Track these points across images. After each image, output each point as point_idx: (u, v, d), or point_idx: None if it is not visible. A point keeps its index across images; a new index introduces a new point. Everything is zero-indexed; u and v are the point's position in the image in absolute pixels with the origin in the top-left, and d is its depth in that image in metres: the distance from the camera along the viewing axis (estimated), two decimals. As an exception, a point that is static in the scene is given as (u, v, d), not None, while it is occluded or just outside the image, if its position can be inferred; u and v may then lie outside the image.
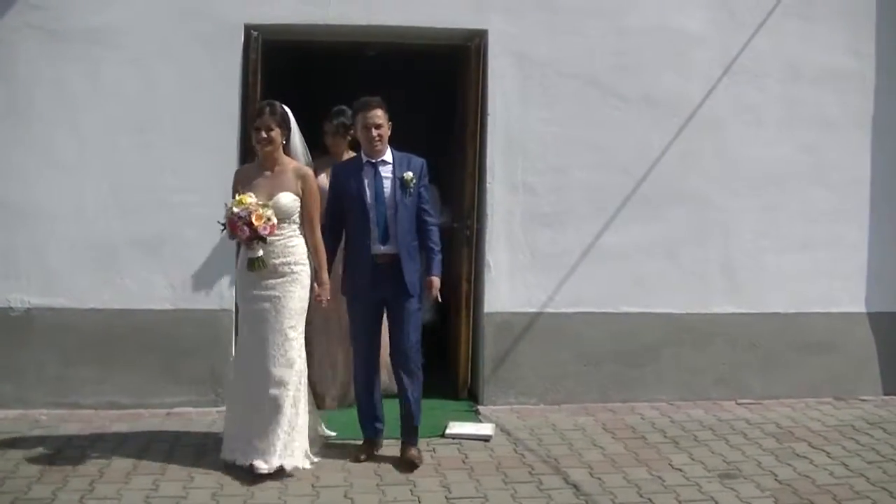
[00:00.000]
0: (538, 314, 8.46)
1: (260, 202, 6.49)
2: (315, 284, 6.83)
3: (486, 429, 7.73)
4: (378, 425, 7.09)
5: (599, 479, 6.63)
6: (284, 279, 6.67)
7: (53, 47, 7.90)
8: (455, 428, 7.71)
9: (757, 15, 8.60)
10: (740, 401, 8.65)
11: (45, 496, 6.17)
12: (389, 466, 6.86)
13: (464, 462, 7.02)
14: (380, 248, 6.80)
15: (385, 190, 6.80)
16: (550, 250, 8.46)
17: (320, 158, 7.95)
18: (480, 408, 8.42)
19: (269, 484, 6.42)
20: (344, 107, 8.09)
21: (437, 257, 6.95)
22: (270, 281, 6.65)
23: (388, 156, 6.86)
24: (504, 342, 8.46)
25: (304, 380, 6.77)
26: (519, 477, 6.69)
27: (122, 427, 7.62)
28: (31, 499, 6.16)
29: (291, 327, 6.65)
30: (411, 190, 6.79)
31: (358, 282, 6.86)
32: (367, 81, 8.60)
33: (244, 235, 6.44)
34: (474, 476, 6.70)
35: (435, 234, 6.96)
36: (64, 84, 7.92)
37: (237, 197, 6.54)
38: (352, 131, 7.82)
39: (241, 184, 6.73)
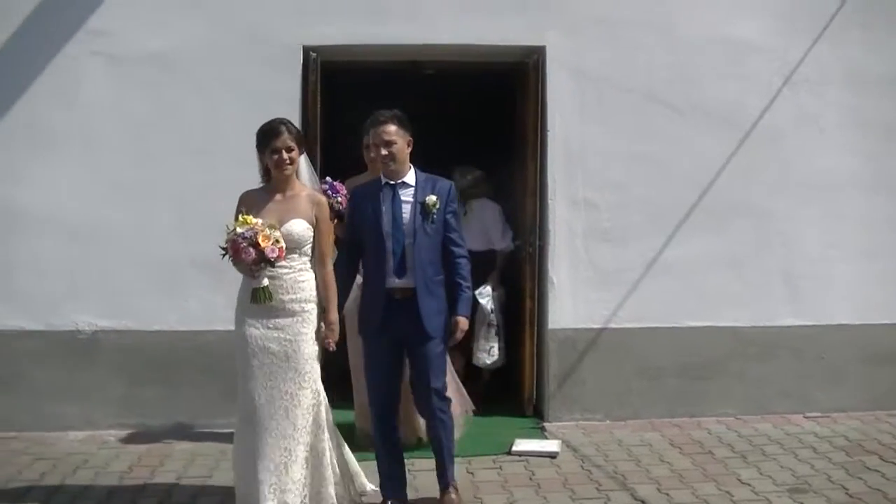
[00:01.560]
0: (602, 330, 8.59)
1: (271, 225, 5.93)
2: (321, 325, 6.21)
3: (552, 445, 7.85)
4: (397, 483, 6.46)
5: (667, 494, 6.74)
6: (294, 319, 6.09)
7: (116, 72, 8.21)
8: (521, 445, 7.84)
9: (815, 23, 8.67)
10: (808, 414, 8.70)
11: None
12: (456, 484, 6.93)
13: (531, 479, 7.15)
14: (395, 281, 6.18)
15: (404, 215, 6.19)
16: (613, 266, 8.58)
17: (355, 177, 7.71)
18: (546, 424, 8.55)
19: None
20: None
21: (465, 294, 6.31)
22: (278, 320, 6.07)
23: (409, 177, 6.29)
24: (568, 358, 8.60)
25: (326, 427, 6.21)
26: (586, 493, 6.81)
27: (187, 447, 7.88)
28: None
29: (306, 373, 6.07)
30: (434, 216, 6.18)
31: (371, 318, 6.29)
32: (425, 100, 8.83)
33: (249, 258, 5.84)
34: (541, 493, 6.83)
35: (464, 268, 6.31)
36: (127, 108, 8.22)
37: (240, 217, 5.97)
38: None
39: (249, 209, 6.08)
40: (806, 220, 8.77)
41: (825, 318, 8.81)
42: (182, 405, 8.28)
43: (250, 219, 5.91)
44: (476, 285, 8.00)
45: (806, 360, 8.80)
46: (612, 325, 8.62)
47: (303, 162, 6.32)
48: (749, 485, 6.92)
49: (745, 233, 8.70)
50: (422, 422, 7.14)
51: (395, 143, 6.23)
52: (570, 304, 8.61)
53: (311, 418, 6.08)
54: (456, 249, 6.32)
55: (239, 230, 5.89)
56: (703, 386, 8.69)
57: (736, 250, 8.69)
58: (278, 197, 6.18)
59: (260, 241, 5.82)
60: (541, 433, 8.35)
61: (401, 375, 6.45)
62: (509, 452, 7.75)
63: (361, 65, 8.99)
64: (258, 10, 8.31)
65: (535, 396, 8.85)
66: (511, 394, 8.93)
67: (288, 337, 6.06)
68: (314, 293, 6.16)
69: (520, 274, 8.80)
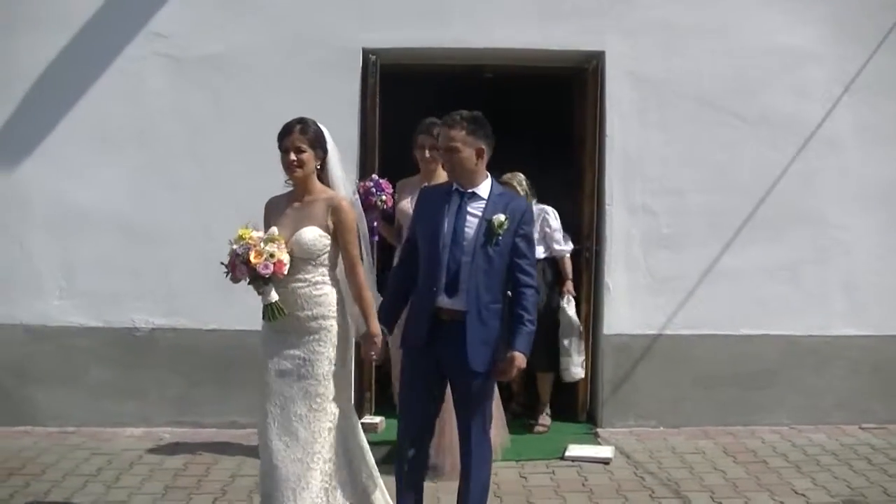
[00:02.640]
0: (657, 336, 8.71)
1: (272, 238, 5.56)
2: (362, 339, 5.83)
3: (605, 451, 7.97)
4: None
5: (721, 503, 6.85)
6: (310, 337, 5.71)
7: (177, 73, 8.46)
8: (574, 450, 7.96)
9: (875, 32, 8.73)
10: (864, 425, 8.74)
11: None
12: (509, 488, 7.12)
13: (583, 485, 7.27)
14: (444, 300, 5.58)
15: (467, 230, 5.57)
16: (669, 272, 8.69)
17: (406, 180, 7.75)
18: (599, 430, 8.68)
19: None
20: (436, 119, 7.79)
21: (527, 329, 5.61)
22: (293, 338, 5.72)
23: (482, 188, 5.66)
24: (623, 364, 8.73)
25: (351, 453, 5.90)
26: (640, 500, 6.93)
27: (242, 446, 8.06)
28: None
29: (319, 395, 5.68)
30: (500, 238, 5.53)
31: (414, 335, 5.72)
32: (481, 105, 8.91)
33: (242, 276, 5.57)
34: (594, 499, 6.96)
35: (529, 300, 5.65)
36: (186, 109, 8.46)
37: (239, 231, 5.62)
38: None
39: (271, 217, 5.85)
40: (864, 229, 8.82)
41: (883, 329, 8.85)
42: (237, 404, 8.42)
43: (248, 232, 5.57)
44: (550, 295, 8.44)
45: (862, 370, 8.83)
46: (668, 332, 8.73)
47: (334, 163, 5.90)
48: (804, 495, 6.99)
49: (802, 241, 8.76)
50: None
51: (460, 152, 5.57)
52: (625, 310, 8.74)
53: (326, 443, 5.67)
54: (523, 278, 5.65)
55: (234, 246, 5.59)
56: (757, 394, 8.77)
57: (793, 258, 8.76)
58: (296, 203, 5.81)
59: (252, 257, 5.46)
60: (594, 439, 8.48)
61: (438, 403, 5.86)
62: (562, 458, 7.87)
63: (421, 68, 9.13)
64: (318, 13, 8.51)
65: (588, 402, 8.99)
66: (564, 399, 9.03)
67: (302, 356, 5.69)
68: (334, 308, 5.73)
69: (576, 279, 8.91)
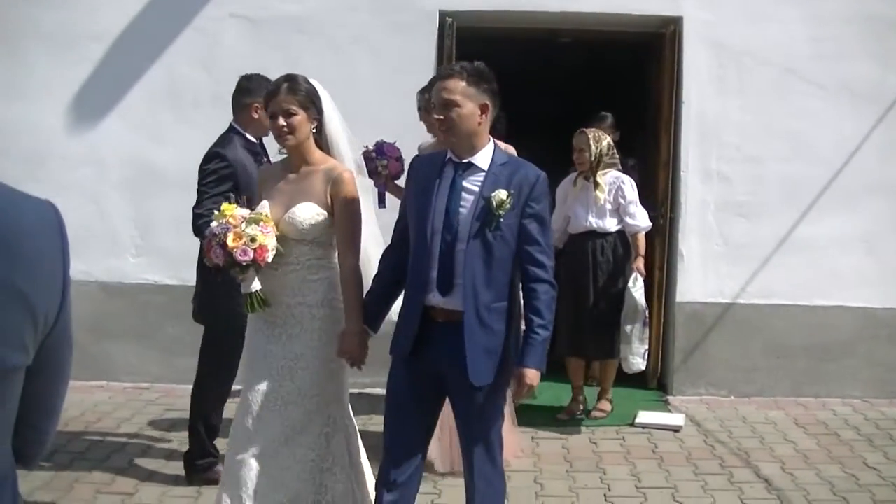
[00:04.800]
0: (730, 305, 8.91)
1: (257, 218, 4.89)
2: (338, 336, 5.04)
3: (676, 419, 8.21)
4: None
5: (791, 474, 7.00)
6: (302, 329, 5.02)
7: (255, 35, 8.77)
8: (644, 417, 8.21)
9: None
10: (939, 399, 8.83)
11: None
12: (579, 453, 7.40)
13: (653, 452, 7.50)
14: (435, 298, 4.66)
15: (461, 209, 4.63)
16: (744, 241, 8.87)
17: (426, 143, 7.27)
18: (669, 398, 8.93)
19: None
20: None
21: (538, 338, 4.64)
22: (284, 329, 5.04)
23: (482, 157, 4.69)
24: (695, 332, 8.94)
25: (347, 467, 5.19)
26: (709, 469, 7.12)
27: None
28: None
29: (314, 396, 5.00)
30: (500, 220, 4.56)
31: (401, 341, 4.78)
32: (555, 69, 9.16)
33: (217, 260, 4.88)
34: (664, 466, 7.16)
35: (542, 299, 4.66)
36: (263, 70, 8.65)
37: (222, 207, 5.00)
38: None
39: (264, 190, 5.23)
40: (943, 201, 8.90)
41: (961, 301, 8.92)
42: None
43: (232, 209, 4.92)
44: (617, 273, 8.02)
45: (939, 343, 8.93)
46: (741, 301, 8.92)
47: (333, 127, 5.20)
48: (875, 469, 7.12)
49: (880, 212, 8.88)
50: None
51: (459, 107, 4.60)
52: (699, 278, 8.94)
53: (314, 453, 5.03)
54: (534, 270, 4.68)
55: (213, 224, 4.95)
56: (830, 366, 8.92)
57: (871, 230, 8.88)
58: (292, 175, 5.14)
59: (229, 240, 4.79)
60: (664, 406, 8.73)
61: (430, 422, 4.96)
62: (632, 424, 8.12)
63: (497, 32, 9.35)
64: (396, -26, 8.76)
65: (659, 369, 9.20)
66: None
67: (294, 350, 5.01)
68: (332, 296, 5.06)
69: (650, 246, 8.94)
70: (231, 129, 6.70)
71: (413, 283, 4.73)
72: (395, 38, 8.74)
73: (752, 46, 8.81)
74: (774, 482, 6.84)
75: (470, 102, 4.60)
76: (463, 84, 4.60)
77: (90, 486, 6.56)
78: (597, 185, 7.93)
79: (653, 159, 9.23)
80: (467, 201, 4.62)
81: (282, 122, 4.97)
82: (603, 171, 7.98)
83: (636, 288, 7.98)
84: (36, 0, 8.71)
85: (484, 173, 4.65)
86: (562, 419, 8.21)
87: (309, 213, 4.96)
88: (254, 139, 6.70)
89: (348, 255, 5.01)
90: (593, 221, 7.99)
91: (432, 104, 4.84)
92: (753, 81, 8.83)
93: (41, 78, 8.78)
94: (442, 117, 4.63)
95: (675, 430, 8.03)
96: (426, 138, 7.27)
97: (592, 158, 7.93)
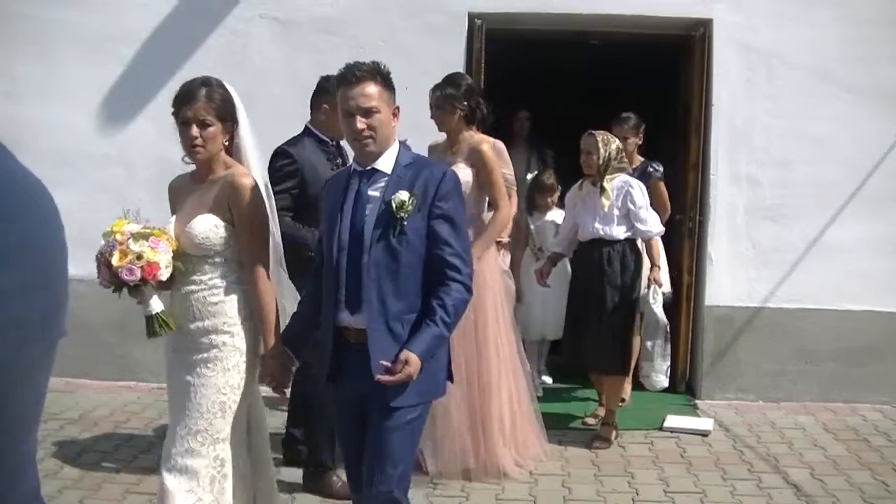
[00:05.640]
0: (759, 309, 8.90)
1: (146, 233, 4.50)
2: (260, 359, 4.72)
3: (704, 423, 8.19)
4: None
5: (821, 480, 6.99)
6: (201, 356, 4.59)
7: (284, 37, 8.83)
8: (673, 421, 8.19)
9: None
10: (970, 406, 8.81)
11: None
12: (607, 457, 7.43)
13: (682, 456, 7.51)
14: (346, 318, 4.40)
15: (365, 219, 4.39)
16: (773, 244, 8.86)
17: (434, 143, 7.28)
18: (698, 402, 8.92)
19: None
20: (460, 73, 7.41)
21: (434, 329, 4.31)
22: (186, 356, 4.64)
23: (385, 161, 4.45)
24: (724, 336, 8.94)
25: None
26: (738, 474, 7.13)
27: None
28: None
29: (200, 432, 4.54)
30: (403, 223, 4.29)
31: (320, 365, 4.55)
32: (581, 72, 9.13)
33: (104, 283, 4.55)
34: (692, 471, 7.17)
35: (451, 295, 4.33)
36: (293, 72, 8.81)
37: (113, 223, 4.58)
38: (461, 106, 6.89)
39: (175, 202, 4.87)
40: (975, 205, 8.86)
41: None
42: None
43: (121, 224, 4.54)
44: (625, 283, 7.58)
45: (970, 349, 8.89)
46: (770, 305, 8.91)
47: (245, 136, 4.80)
48: None
49: (911, 217, 8.83)
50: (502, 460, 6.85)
51: (380, 113, 4.39)
52: (728, 282, 8.93)
53: (207, 498, 4.58)
54: (448, 272, 4.36)
55: (102, 242, 4.58)
56: (860, 371, 8.90)
57: (900, 234, 8.84)
58: (196, 187, 4.76)
59: (114, 259, 4.44)
60: (693, 410, 8.71)
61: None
62: (661, 428, 8.12)
63: (526, 34, 9.38)
64: (424, -24, 8.79)
65: (688, 373, 9.22)
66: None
67: (190, 380, 4.58)
68: (233, 320, 4.63)
69: (678, 249, 9.13)
70: (305, 128, 6.77)
71: (326, 303, 4.47)
72: (425, 40, 8.78)
73: (782, 49, 8.80)
74: (803, 488, 6.84)
75: (386, 107, 4.43)
76: (379, 88, 4.41)
77: (118, 486, 6.62)
78: (602, 190, 7.53)
79: (682, 162, 9.22)
80: (371, 210, 4.39)
81: (195, 133, 4.57)
82: (611, 176, 7.59)
83: (656, 302, 7.72)
84: (66, 2, 8.81)
85: (387, 177, 4.43)
86: (589, 423, 8.18)
87: (205, 225, 4.58)
88: (328, 139, 6.72)
89: (254, 271, 4.62)
90: (600, 228, 7.58)
91: (345, 111, 4.41)
92: (783, 84, 8.82)
93: (71, 79, 8.87)
94: (364, 126, 4.35)
95: (704, 434, 8.03)
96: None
97: (601, 162, 7.55)
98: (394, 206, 4.29)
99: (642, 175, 8.24)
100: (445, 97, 6.90)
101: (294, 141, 6.62)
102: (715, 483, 6.93)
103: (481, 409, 6.82)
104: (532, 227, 9.12)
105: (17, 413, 2.11)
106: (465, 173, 6.62)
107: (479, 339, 6.74)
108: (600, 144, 7.56)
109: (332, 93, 5.76)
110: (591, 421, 8.20)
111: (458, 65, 8.70)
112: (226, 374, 4.56)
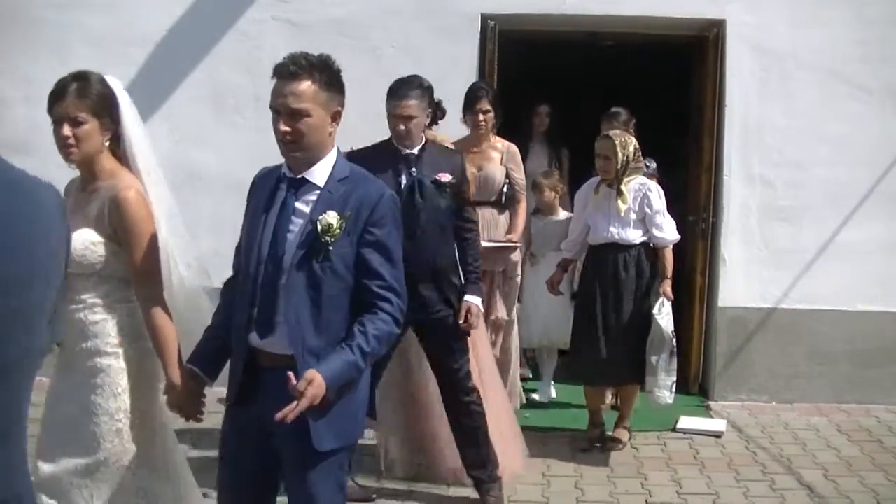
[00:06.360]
0: (772, 310, 8.90)
1: None
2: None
3: (717, 425, 8.22)
4: None
5: (834, 482, 7.01)
6: (92, 381, 4.19)
7: (297, 39, 8.71)
8: (686, 423, 8.20)
9: None
10: (985, 407, 8.79)
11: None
12: (620, 459, 7.45)
13: (695, 458, 7.53)
14: (256, 340, 3.90)
15: (289, 234, 3.89)
16: (787, 245, 8.85)
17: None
18: (711, 403, 8.92)
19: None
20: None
21: (352, 357, 3.78)
22: (72, 378, 4.24)
23: (320, 170, 3.94)
24: (737, 338, 8.94)
25: None
26: (751, 475, 7.15)
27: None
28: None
29: (103, 463, 4.19)
30: (329, 248, 3.81)
31: (229, 388, 4.02)
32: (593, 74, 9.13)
33: None
34: (705, 472, 7.20)
35: (382, 325, 3.85)
36: (305, 74, 8.88)
37: None
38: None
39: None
40: None
41: None
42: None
43: None
44: (640, 290, 7.38)
45: None
46: (784, 306, 8.90)
47: (133, 136, 4.36)
48: None
49: (925, 217, 8.82)
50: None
51: (310, 116, 3.88)
52: (741, 283, 8.93)
53: None
54: (379, 303, 3.88)
55: None
56: (874, 373, 8.90)
57: (915, 235, 8.82)
58: (80, 195, 4.33)
59: None
60: (706, 412, 8.73)
61: (266, 495, 4.15)
62: (674, 430, 8.12)
63: (539, 35, 9.45)
64: (438, -23, 8.82)
65: (701, 375, 9.23)
66: (678, 371, 8.71)
67: (80, 408, 4.20)
68: (118, 339, 4.22)
69: (691, 250, 9.12)
70: None
71: (237, 320, 3.95)
72: (438, 42, 8.79)
73: (795, 49, 8.80)
74: (817, 489, 6.85)
75: (321, 111, 3.88)
76: (315, 88, 3.86)
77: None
78: (620, 193, 7.27)
79: (695, 163, 9.23)
80: (297, 226, 3.88)
81: (66, 131, 4.13)
82: (628, 179, 7.34)
83: (662, 315, 7.24)
84: (82, 4, 8.86)
85: (319, 191, 3.90)
86: (583, 449, 7.67)
87: (82, 242, 4.12)
88: (398, 146, 6.31)
89: (142, 292, 4.20)
90: (615, 232, 7.31)
91: (272, 108, 3.95)
92: (797, 85, 8.82)
93: (86, 82, 8.89)
94: (288, 129, 3.85)
95: (717, 435, 8.05)
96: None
97: (619, 167, 7.28)
98: (319, 228, 3.79)
99: None
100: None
101: (369, 147, 6.30)
102: (728, 484, 6.95)
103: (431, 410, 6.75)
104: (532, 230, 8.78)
105: None
106: None
107: None
108: (618, 148, 7.27)
109: (388, 98, 6.00)
110: (585, 447, 7.71)
111: (471, 67, 8.77)
112: (117, 400, 4.16)
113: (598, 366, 7.44)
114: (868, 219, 8.82)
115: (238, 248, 4.15)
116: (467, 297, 6.19)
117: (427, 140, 6.24)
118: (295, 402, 3.58)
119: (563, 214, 8.58)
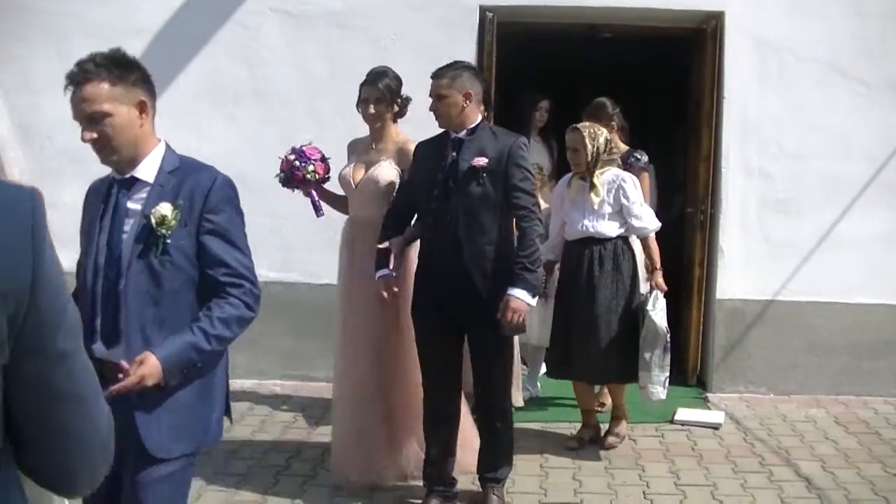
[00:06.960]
0: (771, 302, 8.92)
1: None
2: None
3: (715, 416, 8.25)
4: None
5: (832, 473, 7.04)
6: None
7: (295, 30, 8.88)
8: (683, 414, 8.24)
9: None
10: (983, 400, 8.81)
11: (279, 463, 7.13)
12: (618, 450, 7.49)
13: (692, 449, 7.57)
14: (101, 350, 3.72)
15: (123, 237, 3.78)
16: (785, 237, 8.87)
17: (355, 140, 7.26)
18: (709, 395, 8.96)
19: None
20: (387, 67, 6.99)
21: (187, 337, 3.72)
22: None
23: (146, 167, 3.84)
24: (735, 329, 8.97)
25: None
26: (748, 467, 7.19)
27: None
28: (267, 465, 7.11)
29: None
30: (165, 241, 3.72)
31: None
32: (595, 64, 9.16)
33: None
34: (703, 464, 7.23)
35: (223, 307, 3.86)
36: (303, 65, 8.89)
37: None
38: (398, 101, 6.81)
39: None
40: None
41: None
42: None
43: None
44: (620, 284, 7.24)
45: (983, 343, 8.91)
46: (782, 298, 8.93)
47: (2, 133, 3.97)
48: None
49: (925, 210, 8.83)
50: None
51: (111, 116, 3.74)
52: (739, 275, 8.95)
53: None
54: (228, 289, 3.89)
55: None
56: (872, 364, 8.92)
57: (914, 227, 8.83)
58: None
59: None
60: (703, 403, 8.76)
61: None
62: (672, 421, 8.16)
63: (537, 27, 9.44)
64: (436, -32, 8.83)
65: (699, 366, 9.25)
66: (675, 362, 8.65)
67: None
68: None
69: (689, 242, 9.17)
70: None
71: (84, 333, 3.48)
72: (436, 34, 8.80)
73: (794, 42, 8.81)
74: (814, 481, 6.88)
75: (122, 106, 3.72)
76: (107, 86, 3.71)
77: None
78: (593, 186, 7.12)
79: (693, 155, 9.25)
80: (130, 225, 3.77)
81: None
82: (601, 171, 7.19)
83: (656, 311, 7.06)
84: (81, -5, 8.85)
85: (149, 187, 3.80)
86: (571, 447, 7.54)
87: None
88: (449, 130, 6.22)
89: None
90: (590, 226, 7.15)
91: (75, 120, 3.78)
92: (795, 77, 8.83)
93: (83, 73, 8.89)
94: (94, 135, 3.71)
95: (715, 427, 8.08)
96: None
97: (589, 159, 7.12)
98: (153, 220, 3.69)
99: (624, 165, 7.70)
100: (387, 89, 6.73)
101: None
102: (726, 476, 6.98)
103: (395, 408, 6.61)
104: None
105: None
106: (390, 172, 6.61)
107: (399, 334, 6.45)
108: (587, 140, 7.12)
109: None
110: (573, 444, 7.60)
111: (469, 58, 8.64)
112: None
113: (580, 362, 7.31)
114: (866, 211, 8.85)
115: (78, 265, 3.90)
116: (510, 291, 5.74)
117: (482, 121, 6.05)
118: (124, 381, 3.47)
119: (545, 205, 8.49)
